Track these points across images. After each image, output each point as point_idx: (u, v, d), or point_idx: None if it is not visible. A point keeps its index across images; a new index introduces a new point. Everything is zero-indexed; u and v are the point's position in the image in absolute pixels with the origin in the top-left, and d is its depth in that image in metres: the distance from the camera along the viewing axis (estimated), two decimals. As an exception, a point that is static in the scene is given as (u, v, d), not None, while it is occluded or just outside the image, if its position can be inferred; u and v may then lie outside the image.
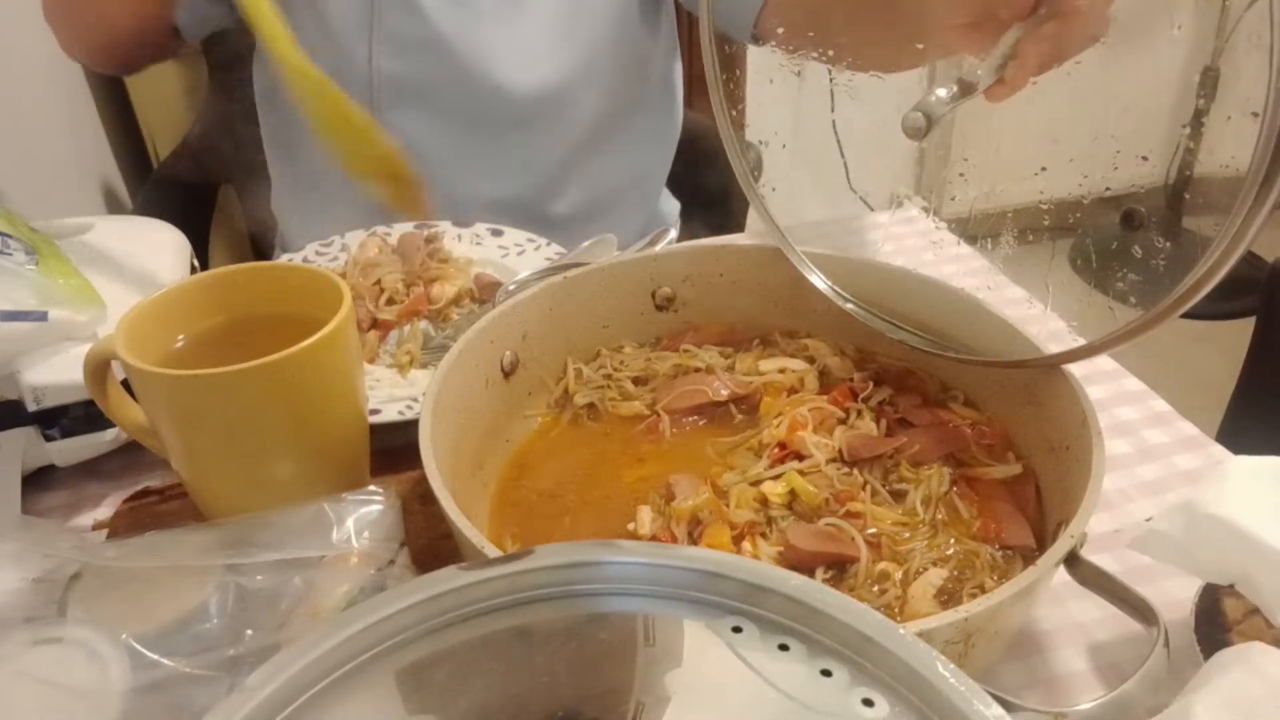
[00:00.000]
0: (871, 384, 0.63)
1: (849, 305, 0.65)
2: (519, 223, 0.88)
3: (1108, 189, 0.62)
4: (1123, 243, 0.59)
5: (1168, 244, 0.58)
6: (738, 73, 0.66)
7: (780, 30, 0.86)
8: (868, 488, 0.55)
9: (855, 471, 0.56)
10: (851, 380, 0.63)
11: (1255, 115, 0.39)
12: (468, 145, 0.97)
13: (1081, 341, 0.54)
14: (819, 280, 0.66)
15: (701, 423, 0.63)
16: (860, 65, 0.68)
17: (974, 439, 0.59)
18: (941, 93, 0.53)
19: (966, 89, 0.54)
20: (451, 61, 0.93)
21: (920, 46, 0.67)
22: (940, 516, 0.54)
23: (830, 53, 0.67)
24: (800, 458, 0.57)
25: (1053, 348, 0.56)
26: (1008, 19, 0.53)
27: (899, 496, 0.55)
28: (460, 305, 0.78)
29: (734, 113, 0.66)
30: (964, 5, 0.56)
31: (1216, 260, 0.44)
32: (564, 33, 0.95)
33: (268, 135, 1.07)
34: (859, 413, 0.60)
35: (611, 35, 0.97)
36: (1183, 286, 0.46)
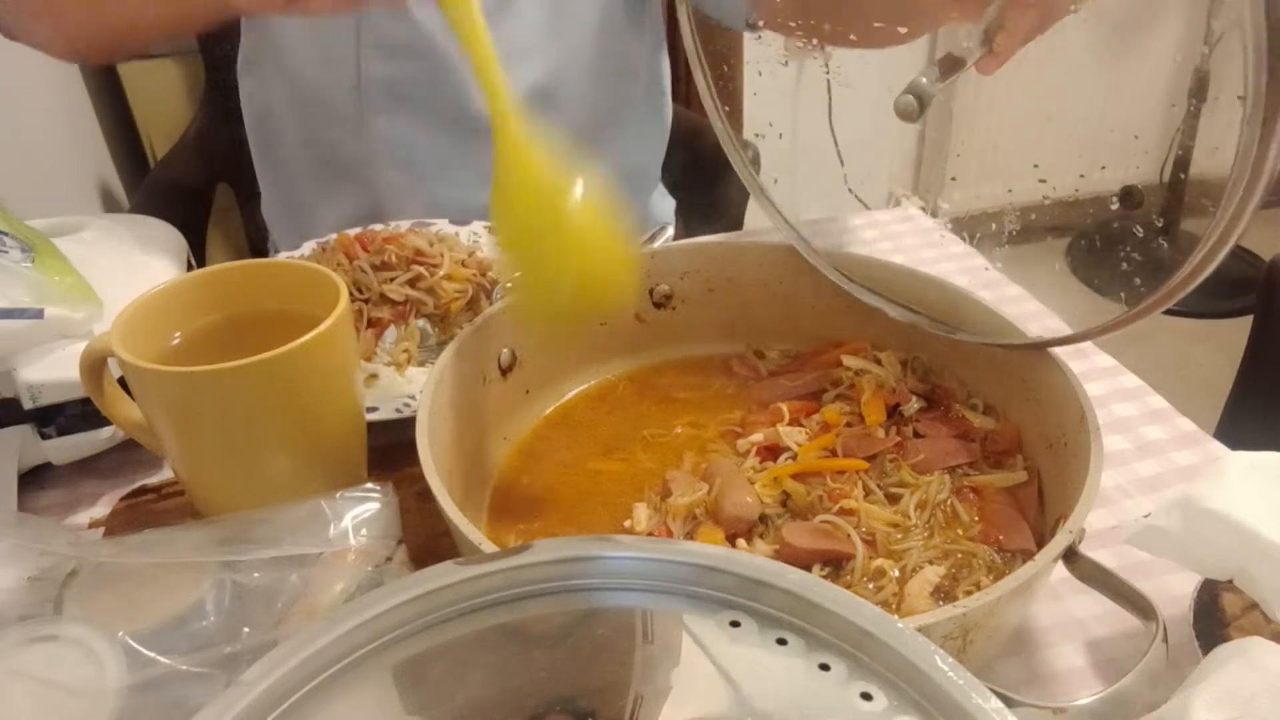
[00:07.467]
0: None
1: (851, 285, 0.65)
2: None
3: (1100, 189, 0.62)
4: (1118, 238, 0.59)
5: (1163, 242, 0.59)
6: (725, 68, 0.66)
7: (774, 12, 0.85)
8: (861, 486, 0.55)
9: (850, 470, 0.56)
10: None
11: (1241, 99, 0.39)
12: (456, 149, 0.97)
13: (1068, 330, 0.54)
14: (802, 247, 0.65)
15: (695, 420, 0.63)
16: (852, 41, 0.68)
17: (986, 449, 0.58)
18: (931, 74, 0.53)
19: (955, 64, 0.54)
20: (438, 64, 0.92)
21: (910, 19, 0.66)
22: (938, 520, 0.54)
23: (825, 28, 0.67)
24: (780, 451, 0.57)
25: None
26: None
27: (895, 500, 0.55)
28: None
29: (728, 108, 0.65)
30: None
31: (1201, 259, 0.45)
32: (549, 32, 0.94)
33: (257, 155, 1.07)
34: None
35: (596, 33, 0.97)
36: (1168, 284, 0.47)
